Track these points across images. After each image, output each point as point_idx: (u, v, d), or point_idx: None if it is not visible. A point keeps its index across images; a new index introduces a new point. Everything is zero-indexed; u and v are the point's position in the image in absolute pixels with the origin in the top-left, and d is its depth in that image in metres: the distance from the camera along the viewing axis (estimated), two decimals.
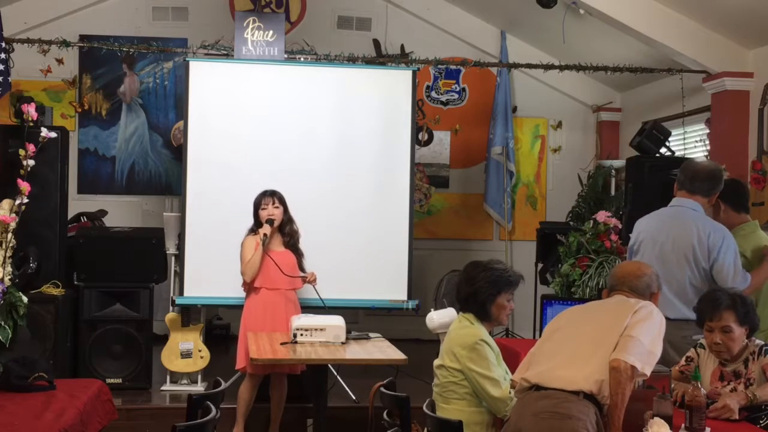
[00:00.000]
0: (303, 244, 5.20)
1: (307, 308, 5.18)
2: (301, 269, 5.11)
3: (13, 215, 4.90)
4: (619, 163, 7.36)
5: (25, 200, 4.94)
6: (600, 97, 8.36)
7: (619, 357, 2.85)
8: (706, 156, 6.42)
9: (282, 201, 5.09)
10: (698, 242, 4.01)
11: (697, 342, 3.68)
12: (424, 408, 3.28)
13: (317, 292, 5.02)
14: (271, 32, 6.12)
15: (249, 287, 5.04)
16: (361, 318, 7.24)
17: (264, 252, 4.95)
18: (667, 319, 3.95)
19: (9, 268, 4.86)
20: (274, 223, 5.02)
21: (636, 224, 4.41)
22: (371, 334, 4.68)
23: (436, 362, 3.54)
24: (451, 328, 3.59)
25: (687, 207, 4.15)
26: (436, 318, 4.54)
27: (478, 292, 3.49)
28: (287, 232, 5.12)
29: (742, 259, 4.15)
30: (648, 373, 2.90)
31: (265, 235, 4.95)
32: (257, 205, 5.07)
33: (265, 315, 4.96)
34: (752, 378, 3.37)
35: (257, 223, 5.06)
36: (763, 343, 3.49)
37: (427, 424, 3.29)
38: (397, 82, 6.19)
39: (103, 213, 6.90)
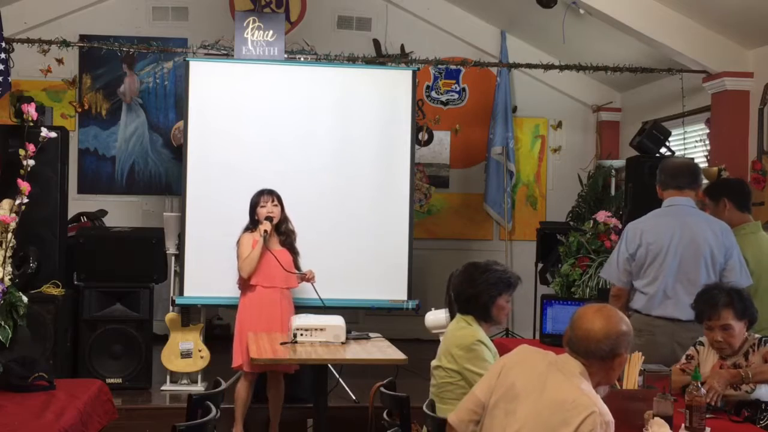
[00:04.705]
0: (303, 244, 5.20)
1: (307, 308, 5.19)
2: (297, 268, 5.10)
3: (13, 215, 4.91)
4: (619, 163, 7.37)
5: (25, 200, 4.95)
6: (600, 97, 8.36)
7: None
8: (706, 156, 6.43)
9: (279, 200, 5.10)
10: (715, 241, 3.99)
11: (697, 341, 3.68)
12: (424, 408, 3.28)
13: (316, 291, 5.01)
14: (271, 32, 6.12)
15: (244, 284, 5.04)
16: (361, 318, 7.24)
17: (264, 249, 4.95)
18: (679, 321, 3.97)
19: (9, 268, 4.87)
20: (273, 221, 5.02)
21: (631, 230, 4.17)
22: (371, 334, 4.68)
23: (434, 363, 3.55)
24: (449, 329, 3.59)
25: (686, 205, 4.11)
26: (431, 318, 4.55)
27: (481, 294, 3.48)
28: (284, 231, 5.12)
29: None
30: None
31: (266, 231, 4.95)
32: (255, 204, 5.06)
33: (261, 313, 4.96)
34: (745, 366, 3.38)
35: (253, 221, 5.06)
36: (762, 336, 3.50)
37: (426, 424, 3.29)
38: (397, 82, 6.19)
39: (103, 213, 6.90)
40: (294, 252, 5.13)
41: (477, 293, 3.48)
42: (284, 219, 5.13)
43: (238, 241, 5.06)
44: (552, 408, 2.46)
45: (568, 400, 2.44)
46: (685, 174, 4.17)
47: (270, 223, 5.00)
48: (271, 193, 5.08)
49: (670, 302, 4.00)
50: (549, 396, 2.50)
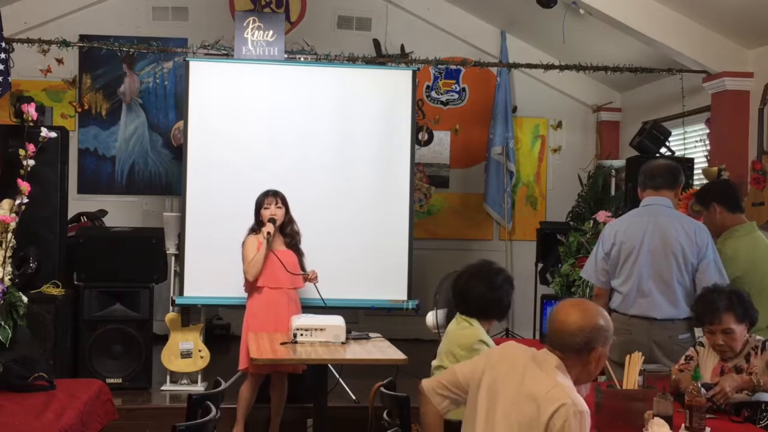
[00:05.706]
0: (303, 244, 5.21)
1: (308, 308, 5.19)
2: (302, 269, 5.11)
3: (13, 215, 4.91)
4: (619, 163, 7.36)
5: (25, 200, 4.95)
6: (600, 97, 8.36)
7: None
8: (706, 156, 6.42)
9: (284, 201, 5.10)
10: (687, 240, 3.99)
11: (697, 341, 3.68)
12: None
13: (318, 291, 5.02)
14: (271, 32, 6.12)
15: (251, 287, 5.04)
16: (361, 318, 7.24)
17: (268, 250, 4.95)
18: (653, 319, 3.98)
19: (9, 268, 4.87)
20: (277, 223, 5.02)
21: (607, 230, 4.27)
22: (371, 334, 4.67)
23: (434, 363, 3.55)
24: (450, 329, 3.59)
25: (661, 204, 4.12)
26: (432, 318, 4.55)
27: (503, 296, 3.50)
28: (288, 232, 5.13)
29: (730, 263, 4.14)
30: None
31: (269, 233, 4.95)
32: (259, 205, 5.07)
33: (268, 314, 4.96)
34: (754, 372, 3.37)
35: (258, 223, 5.07)
36: (764, 338, 3.49)
37: None
38: (397, 82, 6.19)
39: (103, 213, 6.90)
40: (299, 253, 5.13)
41: (500, 296, 3.50)
42: (289, 220, 5.14)
43: (243, 244, 5.06)
44: (527, 401, 2.48)
45: (541, 392, 2.45)
46: (661, 174, 4.17)
47: (273, 225, 5.00)
48: (275, 195, 5.08)
49: (644, 301, 4.01)
50: (526, 390, 2.51)
